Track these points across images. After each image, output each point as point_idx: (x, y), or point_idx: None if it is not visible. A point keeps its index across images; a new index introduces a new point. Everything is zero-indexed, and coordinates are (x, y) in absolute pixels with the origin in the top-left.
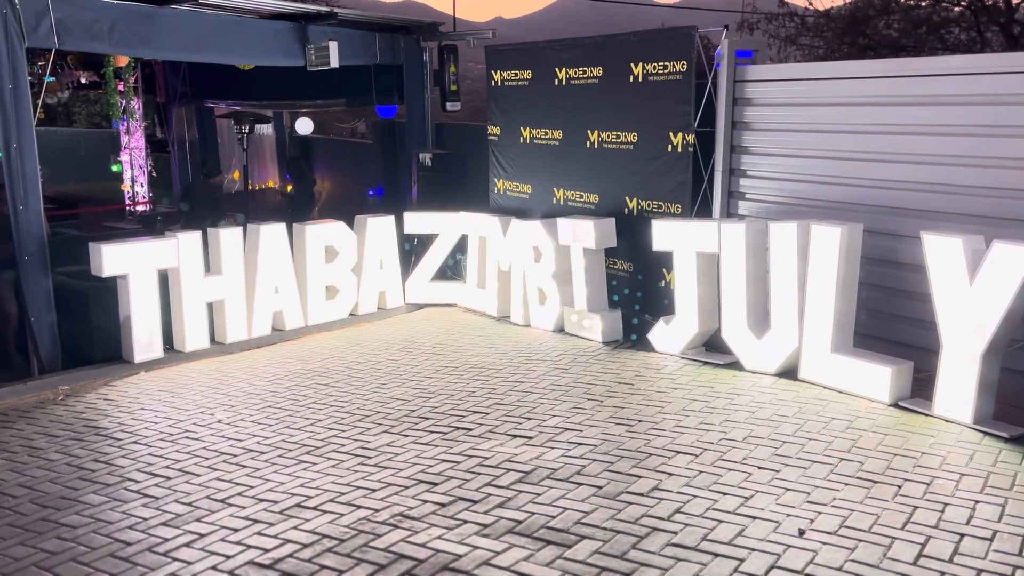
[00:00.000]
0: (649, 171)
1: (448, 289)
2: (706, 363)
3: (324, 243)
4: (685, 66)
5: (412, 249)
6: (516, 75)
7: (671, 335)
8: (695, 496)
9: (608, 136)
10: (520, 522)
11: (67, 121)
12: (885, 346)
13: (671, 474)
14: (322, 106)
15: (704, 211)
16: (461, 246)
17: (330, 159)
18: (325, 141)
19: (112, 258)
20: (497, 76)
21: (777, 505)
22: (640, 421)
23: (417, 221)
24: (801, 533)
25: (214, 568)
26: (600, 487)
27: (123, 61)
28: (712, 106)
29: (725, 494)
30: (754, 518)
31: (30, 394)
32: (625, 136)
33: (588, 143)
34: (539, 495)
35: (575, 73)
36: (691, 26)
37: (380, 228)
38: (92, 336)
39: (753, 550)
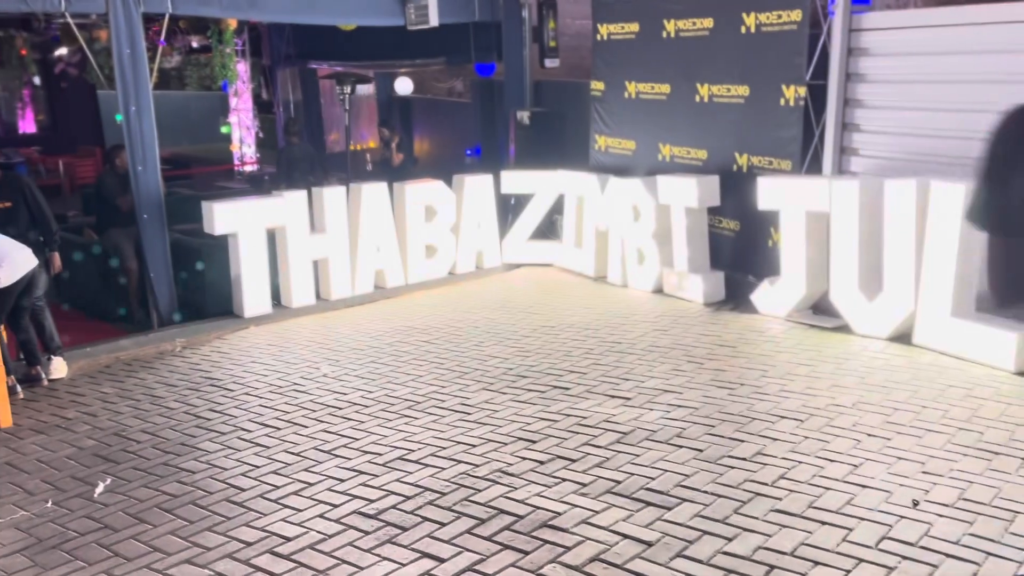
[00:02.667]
0: (760, 126)
1: (545, 249)
2: (813, 326)
3: (424, 203)
4: (800, 15)
5: (511, 208)
6: (622, 28)
7: (776, 297)
8: (800, 462)
9: (718, 90)
10: (619, 482)
11: (180, 85)
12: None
13: (775, 439)
14: (421, 65)
15: (814, 168)
16: (558, 206)
17: (428, 119)
18: (423, 101)
19: (223, 217)
20: (603, 29)
21: (889, 474)
22: (743, 384)
23: (514, 180)
24: (915, 504)
25: (322, 516)
26: (701, 450)
27: (232, 24)
28: (825, 57)
29: (833, 461)
30: (864, 487)
31: (151, 345)
32: (736, 89)
33: (697, 97)
34: (638, 456)
35: (684, 25)
36: None
37: (478, 187)
38: (205, 291)
39: (863, 519)
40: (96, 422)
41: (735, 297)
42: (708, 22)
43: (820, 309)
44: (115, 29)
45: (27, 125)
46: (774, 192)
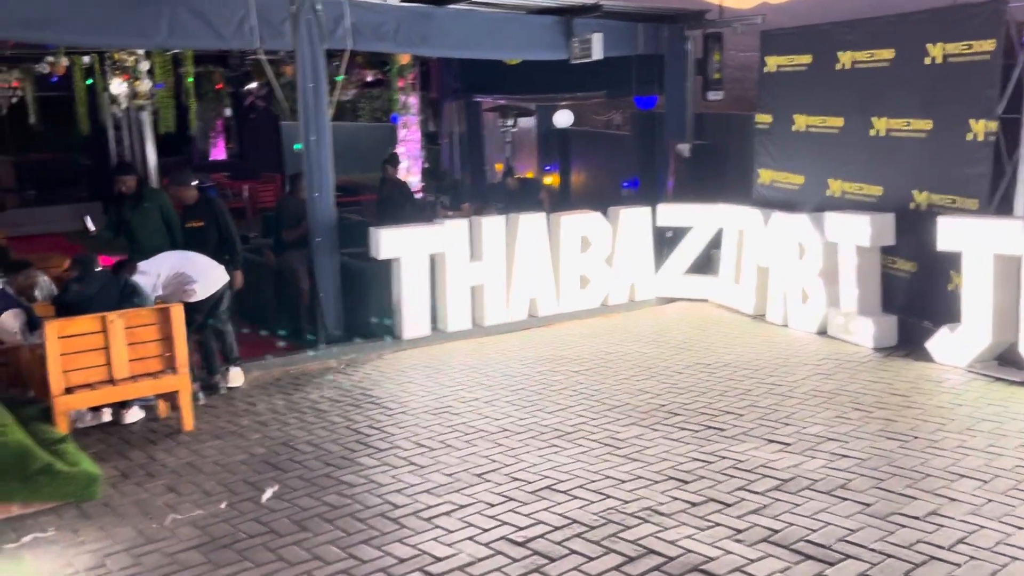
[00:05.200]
0: (943, 162)
1: (701, 283)
2: (998, 379)
3: (579, 233)
4: (993, 44)
5: (667, 241)
6: (792, 60)
7: (956, 345)
8: (983, 527)
9: (897, 124)
10: (776, 531)
11: (352, 116)
12: None
13: (953, 499)
14: (582, 98)
15: (1004, 208)
16: (716, 240)
17: (586, 150)
18: (581, 133)
19: (388, 242)
20: (771, 62)
21: None
22: (916, 438)
23: (671, 213)
24: None
25: (471, 539)
26: (868, 504)
27: (405, 59)
28: (1020, 90)
29: (1021, 528)
30: None
31: (317, 361)
32: (917, 123)
33: (872, 131)
34: (798, 505)
35: (861, 56)
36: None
37: (634, 219)
38: (368, 312)
39: None
40: (266, 431)
41: (908, 343)
42: (888, 53)
43: (1007, 361)
44: (300, 65)
45: (218, 153)
46: (957, 232)
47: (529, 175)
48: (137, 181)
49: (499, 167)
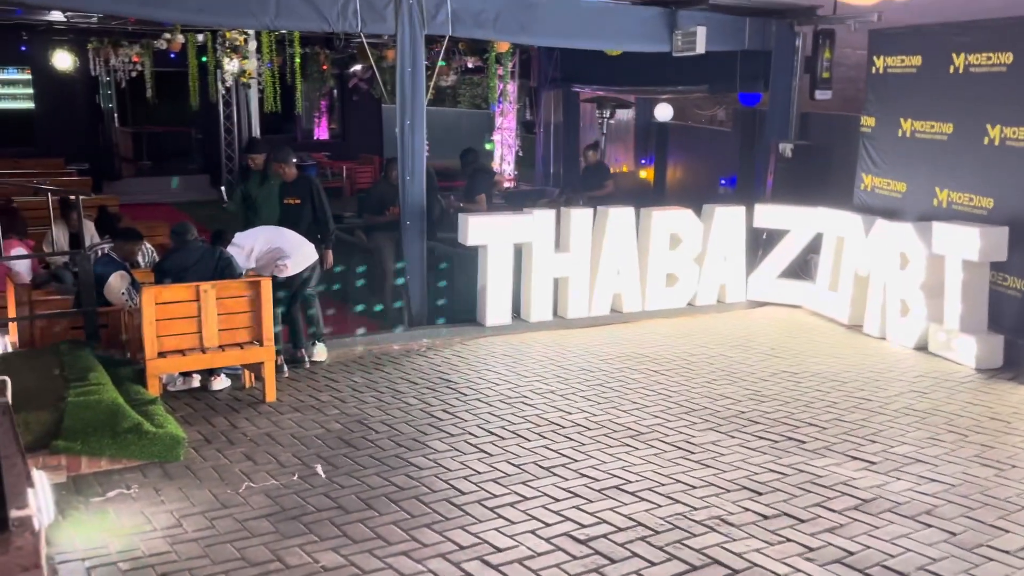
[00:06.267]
0: None
1: (794, 289)
2: None
3: (669, 230)
4: None
5: (762, 243)
6: (902, 61)
7: None
8: None
9: (1013, 132)
10: (851, 553)
11: (453, 102)
12: None
13: None
14: (683, 92)
15: None
16: (814, 245)
17: (685, 145)
18: (681, 127)
19: (477, 229)
20: (879, 62)
21: None
22: (1015, 467)
23: (769, 214)
24: None
25: (533, 533)
26: (954, 533)
27: (504, 47)
28: None
29: None
30: None
31: (400, 342)
32: None
33: (986, 139)
34: (877, 528)
35: (976, 59)
36: None
37: (728, 219)
38: (453, 297)
39: None
40: (344, 407)
41: (1015, 366)
42: (1007, 57)
43: None
44: (400, 49)
45: (321, 132)
46: None
47: (624, 168)
48: (265, 159)
49: (594, 157)
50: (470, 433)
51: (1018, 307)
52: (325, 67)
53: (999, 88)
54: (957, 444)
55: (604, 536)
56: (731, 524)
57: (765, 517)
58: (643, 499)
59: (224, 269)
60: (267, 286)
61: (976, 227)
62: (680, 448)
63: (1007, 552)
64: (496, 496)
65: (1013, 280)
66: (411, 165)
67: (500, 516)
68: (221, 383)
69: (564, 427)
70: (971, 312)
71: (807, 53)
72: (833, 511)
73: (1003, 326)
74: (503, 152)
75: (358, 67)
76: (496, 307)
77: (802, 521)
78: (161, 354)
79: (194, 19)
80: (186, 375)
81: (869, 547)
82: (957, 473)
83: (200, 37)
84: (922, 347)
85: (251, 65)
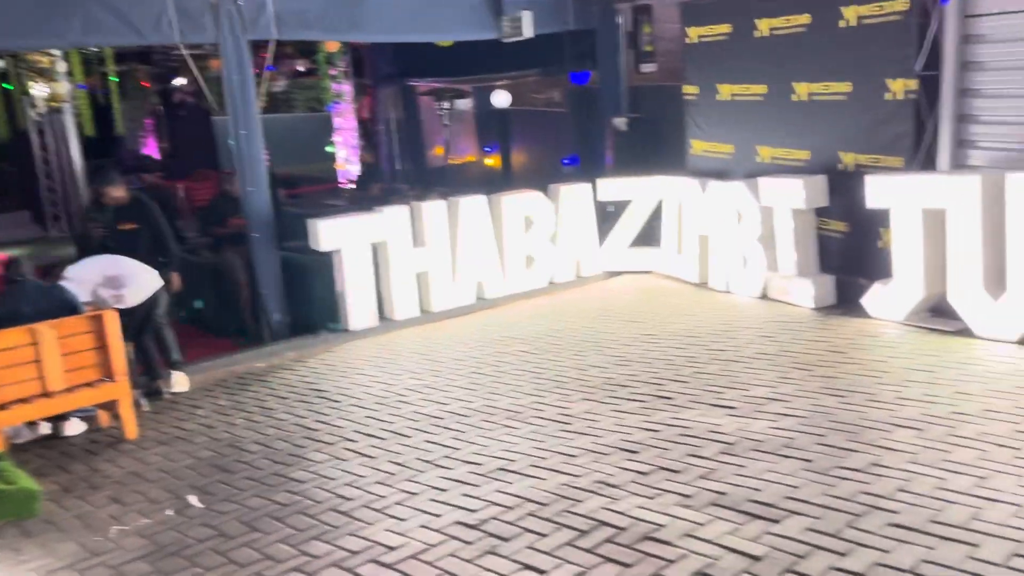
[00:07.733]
0: (865, 123)
1: (644, 255)
2: (932, 330)
3: (522, 213)
4: (906, 4)
5: (609, 216)
6: (712, 30)
7: (889, 300)
8: (920, 474)
9: (818, 88)
10: (724, 494)
11: (287, 108)
12: None
13: (892, 449)
14: (517, 77)
15: (928, 164)
16: (657, 212)
17: (525, 129)
18: (521, 112)
19: (328, 233)
20: (692, 33)
21: (1019, 487)
22: (855, 392)
23: (611, 188)
24: None
25: (424, 526)
26: (810, 461)
27: (333, 47)
28: (936, 47)
29: (956, 473)
30: (991, 500)
31: (262, 359)
32: (836, 86)
33: (795, 96)
34: (743, 467)
35: (778, 23)
36: None
37: (575, 196)
38: (313, 305)
39: (990, 535)
40: (213, 433)
41: (846, 301)
42: (804, 19)
43: (939, 312)
44: (225, 57)
45: (151, 152)
46: (884, 190)
47: (470, 158)
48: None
49: (439, 151)
50: (348, 439)
51: (841, 246)
52: (145, 83)
53: (800, 48)
54: (804, 379)
55: (494, 518)
56: (613, 485)
57: (643, 474)
58: (528, 476)
59: (63, 305)
60: (113, 319)
61: (799, 178)
62: (557, 421)
63: (858, 470)
64: (383, 497)
65: (834, 223)
66: (252, 175)
67: (389, 516)
68: (74, 427)
69: (443, 418)
70: (803, 257)
71: (629, 29)
72: (704, 458)
73: (831, 266)
74: (347, 154)
75: (182, 80)
76: (359, 310)
77: (677, 472)
78: (1, 406)
79: None
80: (31, 424)
81: (739, 486)
82: (807, 406)
83: (1, 63)
84: (764, 295)
85: (62, 88)
